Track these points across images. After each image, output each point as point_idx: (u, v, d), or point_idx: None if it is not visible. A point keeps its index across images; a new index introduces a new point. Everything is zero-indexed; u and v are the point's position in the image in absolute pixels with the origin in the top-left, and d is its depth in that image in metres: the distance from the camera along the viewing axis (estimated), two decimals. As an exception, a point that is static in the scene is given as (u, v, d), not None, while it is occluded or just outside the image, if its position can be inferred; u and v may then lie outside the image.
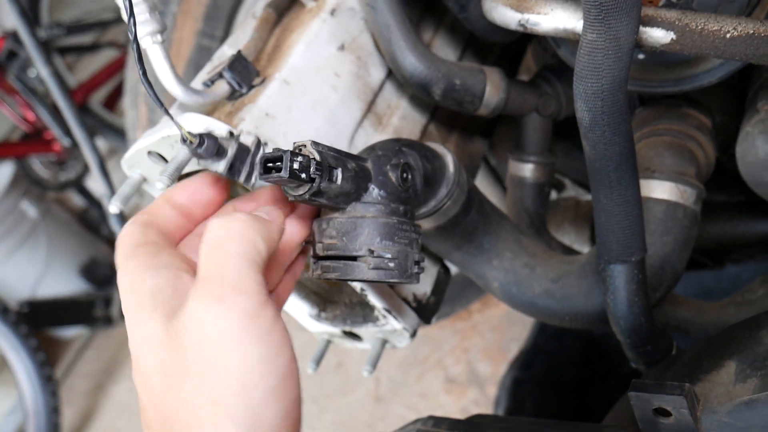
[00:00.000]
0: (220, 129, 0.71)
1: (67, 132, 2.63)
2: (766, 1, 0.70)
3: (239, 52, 0.81)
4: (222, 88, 0.80)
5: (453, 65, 0.85)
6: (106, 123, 3.07)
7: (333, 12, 0.88)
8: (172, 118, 0.57)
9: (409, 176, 0.62)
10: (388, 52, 0.85)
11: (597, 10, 0.60)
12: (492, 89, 0.86)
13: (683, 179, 0.79)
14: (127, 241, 0.56)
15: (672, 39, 0.65)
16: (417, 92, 0.86)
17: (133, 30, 0.54)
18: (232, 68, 0.80)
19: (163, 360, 0.48)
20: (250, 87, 0.81)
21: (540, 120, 0.93)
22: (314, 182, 0.54)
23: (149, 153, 0.77)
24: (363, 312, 0.91)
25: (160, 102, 0.54)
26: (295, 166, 0.52)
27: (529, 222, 0.96)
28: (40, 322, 2.88)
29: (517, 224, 0.91)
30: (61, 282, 3.08)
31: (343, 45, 0.87)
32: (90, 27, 2.98)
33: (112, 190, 1.44)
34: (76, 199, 3.49)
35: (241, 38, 0.89)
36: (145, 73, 0.53)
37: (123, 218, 1.46)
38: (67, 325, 3.10)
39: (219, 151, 0.62)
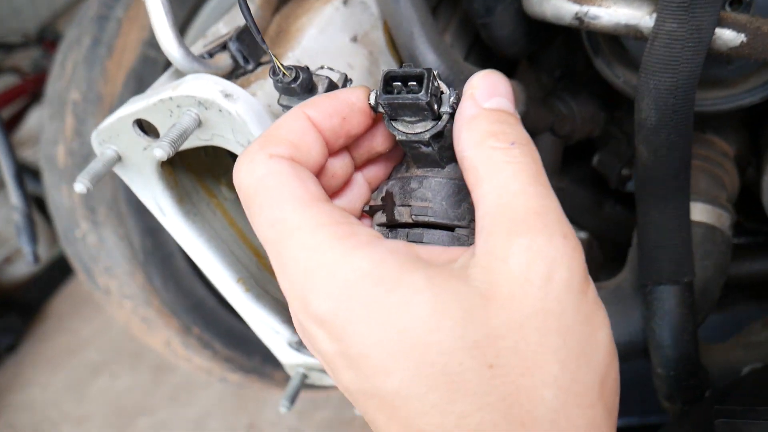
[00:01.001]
0: (238, 93, 0.59)
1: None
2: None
3: (245, 25, 0.70)
4: (224, 61, 0.69)
5: (475, 69, 0.78)
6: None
7: (345, 1, 0.80)
8: (267, 50, 0.48)
9: None
10: (407, 47, 0.77)
11: (682, -4, 0.56)
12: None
13: (718, 202, 0.75)
14: (284, 194, 0.40)
15: (742, 41, 0.61)
16: (435, 94, 0.78)
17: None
18: (241, 39, 0.69)
19: (470, 329, 0.35)
20: (258, 64, 0.70)
21: (553, 140, 0.87)
22: (441, 120, 0.43)
23: (135, 122, 0.63)
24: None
25: (258, 30, 0.45)
26: (433, 91, 0.41)
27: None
28: None
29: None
30: None
31: (356, 37, 0.79)
32: (-8, 48, 2.73)
33: (27, 204, 1.24)
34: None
35: (238, 18, 0.78)
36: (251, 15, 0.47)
37: (34, 236, 1.25)
38: None
39: (311, 87, 0.51)
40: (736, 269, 0.95)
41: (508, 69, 1.02)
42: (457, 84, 0.76)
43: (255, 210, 0.41)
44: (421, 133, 0.44)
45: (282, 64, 0.52)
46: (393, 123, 0.45)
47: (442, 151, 0.46)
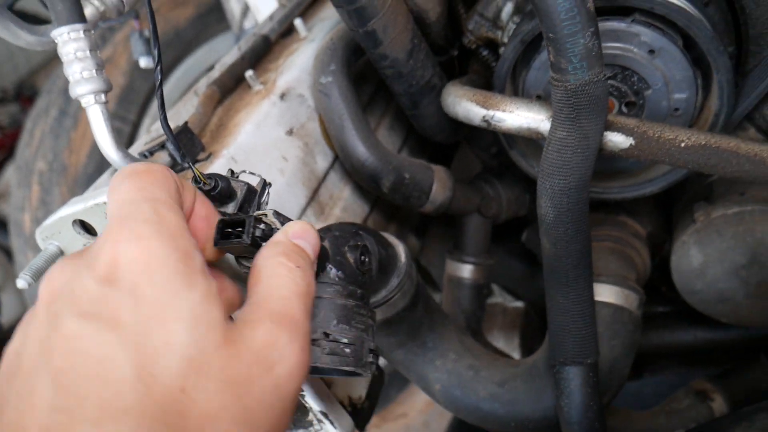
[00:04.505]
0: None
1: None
2: (706, 117, 0.75)
3: (186, 123, 0.76)
4: (162, 159, 0.74)
5: (403, 159, 0.84)
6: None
7: (282, 96, 0.86)
8: (191, 165, 0.54)
9: (367, 259, 0.60)
10: (339, 140, 0.83)
11: (569, 109, 0.62)
12: (439, 186, 0.85)
13: (627, 283, 0.80)
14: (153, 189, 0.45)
15: (631, 144, 0.68)
16: (366, 183, 0.84)
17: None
18: (178, 140, 0.74)
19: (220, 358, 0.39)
20: (194, 161, 0.75)
21: (481, 221, 0.93)
22: None
23: (74, 222, 0.68)
24: (293, 416, 0.83)
25: (180, 148, 0.54)
26: (258, 233, 0.48)
27: (466, 324, 0.94)
28: None
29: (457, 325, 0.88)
30: None
31: (292, 130, 0.85)
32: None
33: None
34: None
35: (182, 112, 0.84)
36: (165, 118, 0.53)
37: (-3, 307, 1.28)
38: None
39: (230, 194, 0.57)
40: (658, 338, 1.00)
41: (445, 152, 1.09)
42: (386, 173, 0.82)
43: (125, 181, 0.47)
44: None
45: (202, 174, 0.58)
46: (240, 260, 0.52)
47: None
